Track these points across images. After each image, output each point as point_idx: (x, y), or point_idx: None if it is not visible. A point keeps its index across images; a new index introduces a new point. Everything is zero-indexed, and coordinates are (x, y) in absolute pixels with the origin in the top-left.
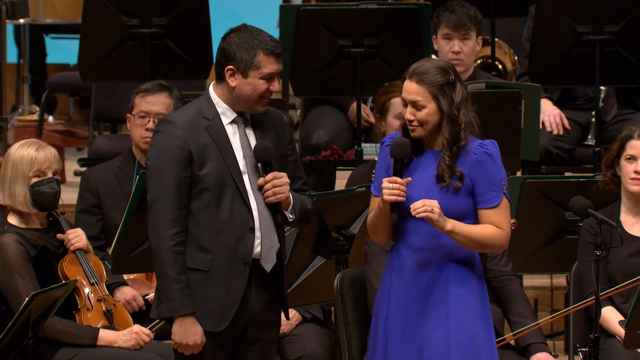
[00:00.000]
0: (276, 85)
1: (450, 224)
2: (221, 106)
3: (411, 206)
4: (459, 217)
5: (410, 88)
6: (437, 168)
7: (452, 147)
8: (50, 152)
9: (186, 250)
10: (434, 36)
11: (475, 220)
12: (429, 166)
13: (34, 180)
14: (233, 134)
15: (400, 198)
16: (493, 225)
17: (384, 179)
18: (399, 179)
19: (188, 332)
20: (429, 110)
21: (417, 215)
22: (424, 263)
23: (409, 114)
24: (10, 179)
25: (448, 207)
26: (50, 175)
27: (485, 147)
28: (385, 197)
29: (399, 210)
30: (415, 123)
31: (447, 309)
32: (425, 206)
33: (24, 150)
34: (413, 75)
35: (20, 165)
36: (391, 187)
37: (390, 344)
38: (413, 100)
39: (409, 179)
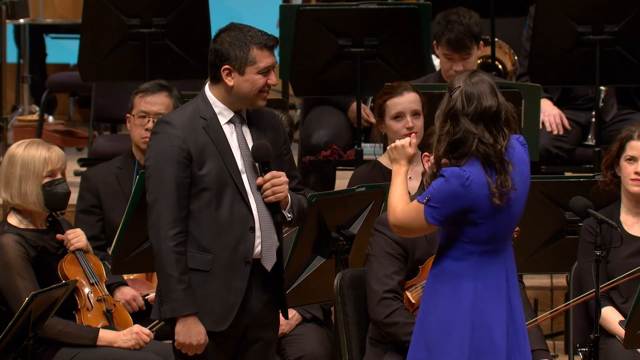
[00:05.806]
0: (273, 79)
1: (403, 167)
2: (218, 106)
3: None
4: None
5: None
6: None
7: (435, 159)
8: (61, 152)
9: (187, 250)
10: (435, 42)
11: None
12: None
13: (46, 180)
14: (230, 133)
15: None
16: (403, 204)
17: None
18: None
19: (191, 332)
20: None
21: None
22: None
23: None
24: (20, 179)
25: None
26: (59, 176)
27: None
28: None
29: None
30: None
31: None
32: None
33: (34, 150)
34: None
35: (33, 165)
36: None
37: None
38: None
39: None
